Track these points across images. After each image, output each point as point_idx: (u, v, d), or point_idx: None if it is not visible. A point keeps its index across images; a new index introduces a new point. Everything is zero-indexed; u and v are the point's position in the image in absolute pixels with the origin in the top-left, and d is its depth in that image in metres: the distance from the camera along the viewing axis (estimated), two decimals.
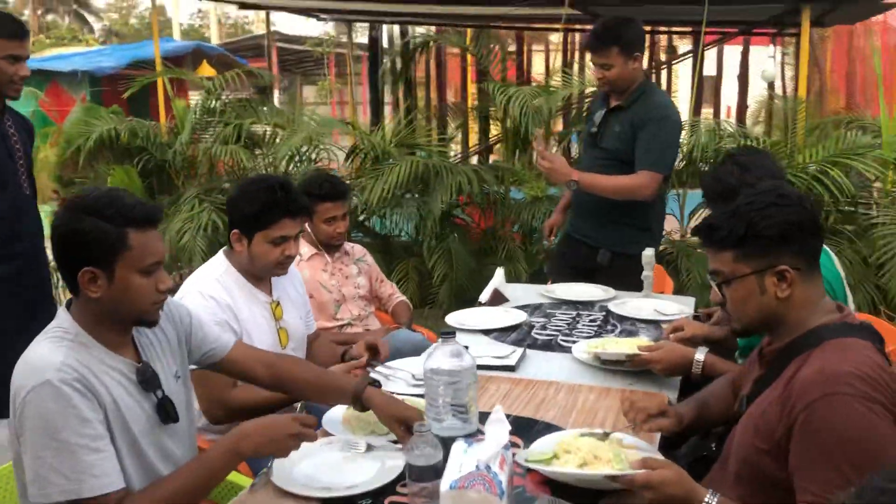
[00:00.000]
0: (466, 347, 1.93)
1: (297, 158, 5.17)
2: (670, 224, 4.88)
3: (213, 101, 5.12)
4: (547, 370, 2.43)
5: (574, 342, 2.64)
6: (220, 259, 2.44)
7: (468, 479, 1.50)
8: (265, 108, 5.48)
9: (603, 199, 3.33)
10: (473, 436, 1.76)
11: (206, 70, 11.46)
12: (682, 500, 1.52)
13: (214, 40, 22.35)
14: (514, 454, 1.72)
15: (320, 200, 3.12)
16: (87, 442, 1.53)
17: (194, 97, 9.99)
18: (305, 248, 3.23)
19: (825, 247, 2.36)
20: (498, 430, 1.58)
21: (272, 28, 9.69)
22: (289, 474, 1.75)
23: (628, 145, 3.31)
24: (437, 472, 1.56)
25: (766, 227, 1.59)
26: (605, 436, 1.79)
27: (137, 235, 1.62)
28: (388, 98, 8.18)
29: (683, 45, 9.07)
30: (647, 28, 7.87)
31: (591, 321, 2.93)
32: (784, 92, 7.53)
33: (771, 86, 7.36)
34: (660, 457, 1.71)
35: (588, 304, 3.15)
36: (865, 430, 1.40)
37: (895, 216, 4.09)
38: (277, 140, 5.32)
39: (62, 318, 1.65)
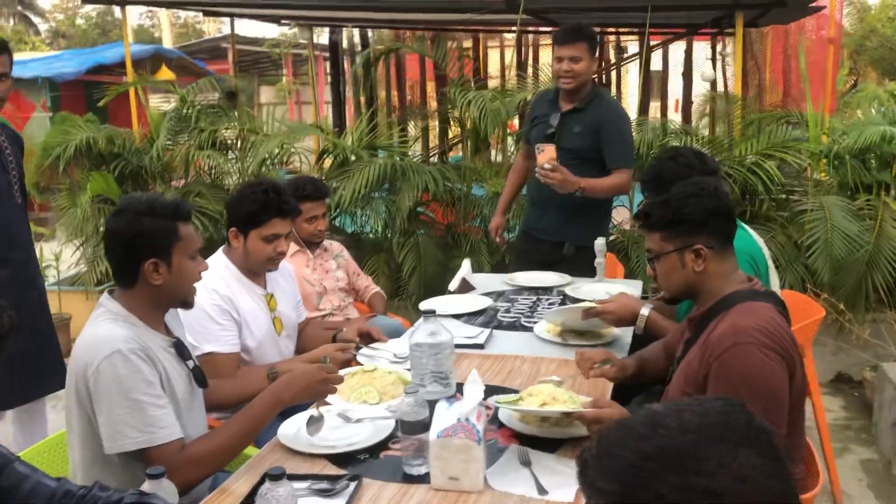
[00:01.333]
0: None
1: (268, 162, 5.41)
2: (621, 215, 5.24)
3: (188, 108, 5.33)
4: (512, 347, 2.73)
5: (535, 322, 2.97)
6: (219, 256, 2.72)
7: (451, 429, 1.82)
8: (235, 113, 5.70)
9: (569, 197, 3.57)
10: (453, 397, 2.09)
11: (166, 73, 11.54)
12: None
13: (167, 42, 22.28)
14: (487, 408, 2.06)
15: (303, 200, 3.41)
16: (153, 400, 1.85)
17: (154, 100, 10.12)
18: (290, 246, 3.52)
19: (747, 227, 2.76)
20: (474, 389, 1.90)
21: (229, 31, 9.85)
22: (296, 436, 2.04)
23: (591, 144, 3.61)
24: (424, 426, 1.87)
25: (688, 214, 1.96)
26: (560, 383, 2.14)
27: (184, 227, 1.99)
28: (348, 97, 8.42)
29: (632, 46, 9.46)
30: (597, 30, 8.26)
31: (549, 304, 3.27)
32: (725, 88, 7.95)
33: (713, 84, 7.78)
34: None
35: (547, 290, 3.48)
36: (764, 373, 1.76)
37: (820, 203, 4.50)
38: (248, 144, 5.56)
39: (109, 304, 1.97)
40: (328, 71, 9.97)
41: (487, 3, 5.73)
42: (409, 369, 2.31)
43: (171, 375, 1.97)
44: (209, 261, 2.72)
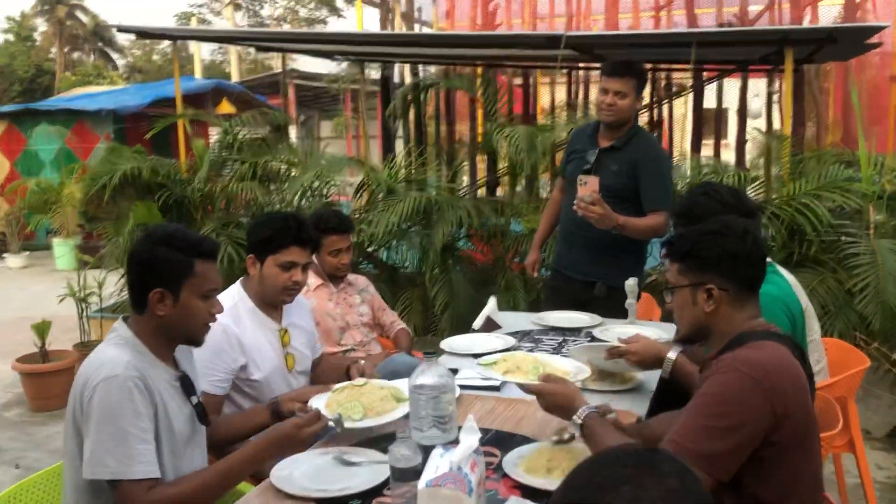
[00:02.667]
0: (455, 371, 2.17)
1: (308, 194, 5.45)
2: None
3: (230, 139, 5.42)
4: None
5: None
6: (235, 289, 2.69)
7: (442, 478, 1.73)
8: (280, 146, 5.77)
9: (601, 236, 3.48)
10: (452, 444, 2.00)
11: (226, 107, 11.86)
12: (564, 409, 1.96)
13: (234, 76, 22.93)
14: (493, 455, 1.97)
15: (327, 233, 3.39)
16: (139, 433, 1.83)
17: (214, 134, 10.38)
18: (312, 279, 3.49)
19: (784, 273, 2.61)
20: (469, 437, 1.81)
21: (290, 66, 10.06)
22: (289, 478, 1.97)
23: (627, 183, 3.51)
24: (417, 474, 1.78)
25: (703, 250, 1.89)
26: (570, 439, 2.05)
27: (201, 264, 1.98)
28: (400, 132, 8.48)
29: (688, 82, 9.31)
30: (649, 66, 8.17)
31: (575, 345, 3.14)
32: (779, 126, 7.73)
33: (769, 122, 7.58)
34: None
35: (575, 331, 3.35)
36: (733, 395, 1.67)
37: (871, 247, 4.28)
38: (291, 176, 5.61)
39: (121, 329, 1.99)
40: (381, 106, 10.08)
41: (529, 39, 5.70)
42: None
43: (169, 409, 1.95)
44: (224, 294, 2.71)
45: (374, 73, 11.68)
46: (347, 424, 2.14)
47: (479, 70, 7.68)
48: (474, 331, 3.35)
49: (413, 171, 5.52)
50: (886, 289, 4.07)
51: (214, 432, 2.29)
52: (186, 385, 2.03)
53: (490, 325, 3.39)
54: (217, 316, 2.50)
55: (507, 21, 8.58)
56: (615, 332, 3.23)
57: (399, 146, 8.50)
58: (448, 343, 3.15)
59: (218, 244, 2.10)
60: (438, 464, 1.76)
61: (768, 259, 2.63)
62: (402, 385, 2.63)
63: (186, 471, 1.98)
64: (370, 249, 5.42)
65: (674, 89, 7.90)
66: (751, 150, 8.23)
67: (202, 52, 24.06)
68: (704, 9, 8.02)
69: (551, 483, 1.93)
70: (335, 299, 3.51)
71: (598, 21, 8.24)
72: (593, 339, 3.21)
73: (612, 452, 0.98)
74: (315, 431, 2.01)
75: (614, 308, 3.53)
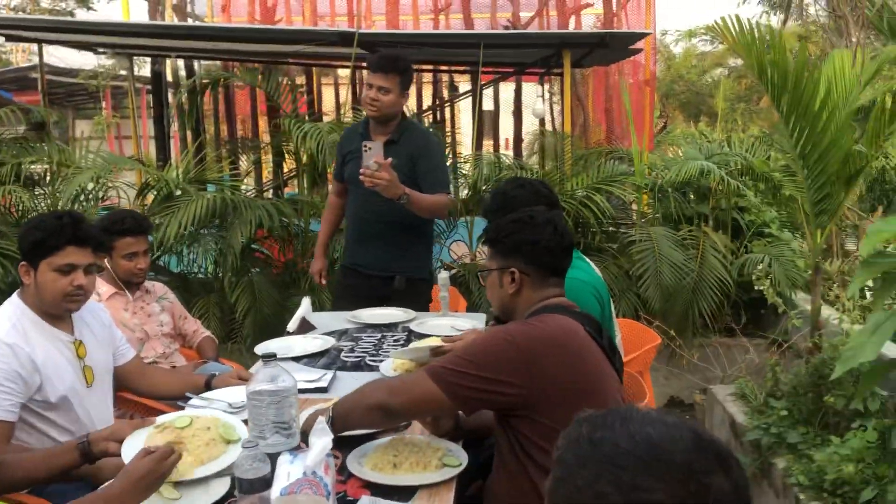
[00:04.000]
0: None
1: (82, 197, 4.96)
2: (461, 249, 5.24)
3: None
4: None
5: (381, 361, 2.83)
6: (14, 302, 2.35)
7: (297, 484, 1.64)
8: (44, 146, 5.19)
9: (399, 229, 3.52)
10: (297, 449, 1.90)
11: None
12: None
13: None
14: (336, 457, 1.89)
15: (120, 235, 3.10)
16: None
17: None
18: (105, 287, 3.18)
19: (587, 260, 2.78)
20: (321, 439, 1.73)
21: (36, 60, 9.10)
22: None
23: (408, 174, 3.48)
24: (265, 483, 1.68)
25: (505, 237, 2.09)
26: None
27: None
28: (173, 132, 7.98)
29: (464, 84, 9.67)
30: (430, 67, 8.36)
31: (395, 341, 3.14)
32: (553, 126, 8.26)
33: (542, 121, 8.05)
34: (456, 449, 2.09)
35: (392, 326, 3.35)
36: (490, 350, 1.87)
37: (649, 234, 4.70)
38: (59, 179, 5.07)
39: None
40: (150, 104, 9.42)
41: (321, 35, 5.61)
42: (245, 420, 2.08)
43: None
44: (3, 308, 2.37)
45: (140, 69, 10.94)
46: (202, 468, 1.91)
47: (260, 67, 7.42)
48: (288, 333, 3.23)
49: (203, 171, 5.20)
50: (663, 271, 4.49)
51: (7, 474, 1.96)
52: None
53: (305, 327, 3.29)
54: (1, 333, 2.22)
55: (287, 18, 8.38)
56: (431, 324, 3.28)
57: (174, 147, 8.01)
58: (263, 347, 3.01)
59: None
60: (290, 470, 1.68)
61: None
62: (227, 394, 2.49)
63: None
64: (156, 256, 5.04)
65: (457, 92, 8.16)
66: (526, 148, 8.75)
67: None
68: (480, 14, 8.35)
69: (400, 479, 1.90)
70: (131, 308, 3.23)
71: (379, 22, 8.29)
72: (411, 332, 3.22)
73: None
74: (175, 463, 1.77)
75: (414, 300, 3.61)
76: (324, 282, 4.00)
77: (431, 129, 6.29)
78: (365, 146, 3.30)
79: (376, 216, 3.55)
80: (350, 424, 2.00)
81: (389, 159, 3.27)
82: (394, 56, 3.55)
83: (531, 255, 2.05)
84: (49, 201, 4.95)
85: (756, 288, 3.86)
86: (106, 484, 1.75)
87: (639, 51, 6.65)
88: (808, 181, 3.58)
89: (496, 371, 1.83)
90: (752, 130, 8.96)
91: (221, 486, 1.86)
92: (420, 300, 3.66)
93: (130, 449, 1.91)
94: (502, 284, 2.08)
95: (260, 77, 6.59)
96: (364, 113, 3.57)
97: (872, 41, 7.25)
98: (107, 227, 3.11)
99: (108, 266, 3.15)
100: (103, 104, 15.77)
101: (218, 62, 7.97)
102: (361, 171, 3.28)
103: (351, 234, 3.76)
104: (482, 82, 7.15)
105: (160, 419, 2.07)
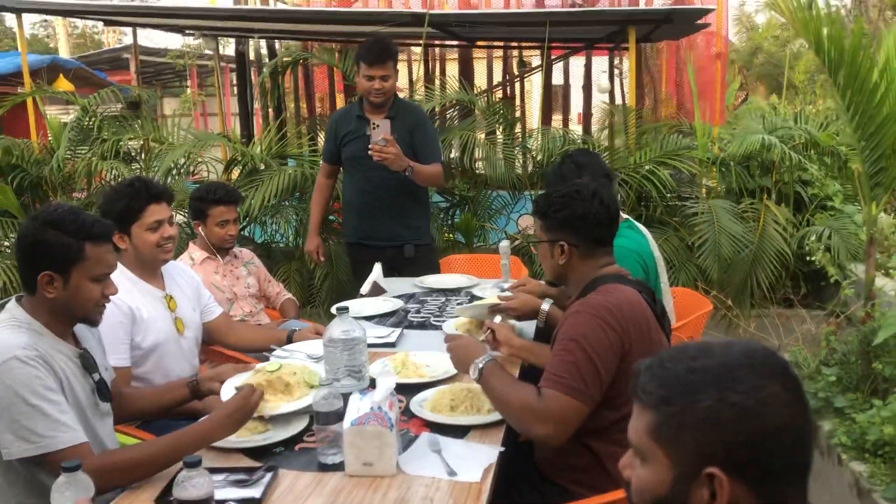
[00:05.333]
0: None
1: (174, 171, 5.36)
2: (526, 221, 5.44)
3: (90, 118, 5.23)
4: (423, 345, 2.81)
5: (444, 321, 3.09)
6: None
7: (365, 417, 1.90)
8: (139, 123, 5.62)
9: (404, 201, 3.85)
10: (366, 390, 2.17)
11: (64, 84, 11.14)
12: (465, 359, 2.15)
13: (63, 52, 21.47)
14: (400, 400, 2.16)
15: (214, 204, 3.43)
16: (53, 405, 1.82)
17: (51, 112, 9.78)
18: (198, 253, 3.53)
19: (642, 228, 2.95)
20: (386, 379, 1.99)
21: (129, 41, 9.63)
22: None
23: (408, 147, 3.74)
24: (338, 416, 1.94)
25: (555, 212, 2.18)
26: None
27: (93, 248, 1.95)
28: (256, 109, 8.38)
29: (536, 60, 9.77)
30: (501, 44, 8.52)
31: (458, 304, 3.39)
32: (623, 101, 8.32)
33: (612, 96, 8.12)
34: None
35: (455, 291, 3.61)
36: (588, 333, 1.96)
37: (709, 207, 4.80)
38: (153, 154, 5.49)
39: (14, 310, 1.95)
40: (234, 83, 9.86)
41: (395, 16, 5.85)
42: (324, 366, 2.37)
43: (73, 384, 1.93)
44: None
45: (225, 49, 11.40)
46: (279, 405, 2.16)
47: (338, 47, 7.72)
48: (361, 296, 3.51)
49: (284, 147, 5.53)
50: (721, 243, 4.60)
51: (127, 405, 2.30)
52: (87, 362, 2.01)
53: (376, 290, 3.56)
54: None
55: (364, 0, 8.64)
56: (491, 290, 3.51)
57: (257, 124, 8.42)
58: (339, 307, 3.29)
59: (109, 225, 2.04)
60: (359, 405, 1.94)
61: (626, 216, 2.99)
62: (306, 347, 2.79)
63: (95, 446, 1.96)
64: (241, 227, 5.42)
65: (526, 68, 8.28)
66: (596, 123, 8.83)
67: (24, 26, 22.28)
68: None
69: (455, 419, 2.16)
70: (222, 271, 3.57)
71: (451, 1, 8.47)
72: (472, 297, 3.46)
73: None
74: (257, 401, 2.01)
75: (426, 265, 3.92)
76: (322, 259, 4.32)
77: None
78: (373, 124, 3.60)
79: (382, 191, 3.83)
80: (488, 391, 2.06)
81: (391, 137, 3.57)
82: (384, 44, 3.78)
83: (580, 228, 2.14)
84: (146, 174, 5.37)
85: (810, 259, 3.95)
86: (202, 419, 2.02)
87: (708, 25, 6.65)
88: (864, 154, 3.64)
89: (610, 357, 1.95)
90: (829, 103, 8.79)
91: (302, 423, 2.14)
92: (431, 265, 3.97)
93: (229, 389, 2.20)
94: (553, 255, 2.18)
95: (337, 56, 6.90)
96: (355, 96, 3.83)
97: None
98: (202, 197, 3.45)
99: (202, 233, 3.50)
100: (189, 83, 16.45)
101: (298, 43, 8.32)
102: (371, 146, 3.58)
103: (356, 210, 4.00)
104: (552, 57, 7.28)
105: (258, 365, 2.35)
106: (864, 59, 3.51)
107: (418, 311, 3.28)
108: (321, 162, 4.23)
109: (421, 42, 6.33)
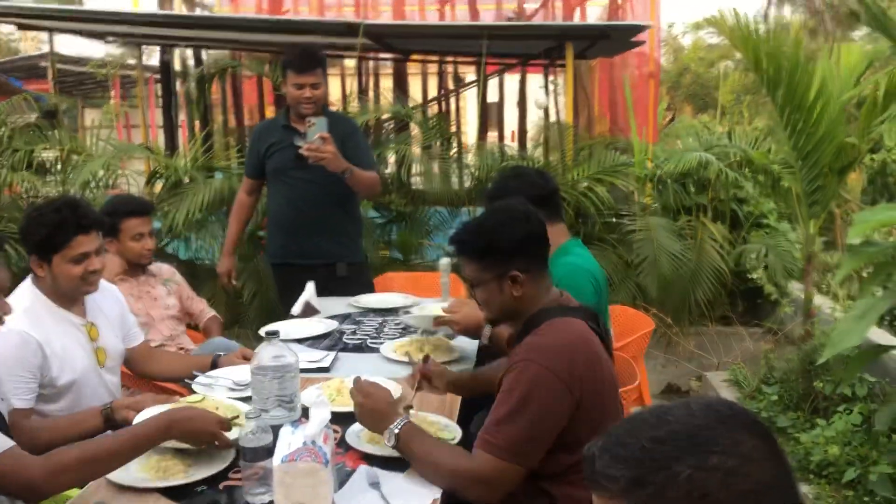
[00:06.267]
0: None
1: (92, 184, 5.06)
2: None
3: (1, 128, 4.90)
4: (359, 369, 2.66)
5: (381, 343, 2.93)
6: (27, 287, 2.41)
7: (296, 453, 1.73)
8: (55, 133, 5.29)
9: (335, 215, 3.67)
10: (298, 421, 1.99)
11: None
12: (375, 425, 1.97)
13: None
14: (335, 430, 1.99)
15: (126, 217, 3.20)
16: None
17: None
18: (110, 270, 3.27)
19: (586, 248, 2.86)
20: (320, 410, 1.82)
21: (46, 48, 9.19)
22: (125, 470, 1.86)
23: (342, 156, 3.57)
24: (268, 452, 1.77)
25: (501, 242, 1.96)
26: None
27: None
28: (181, 121, 8.06)
29: (470, 75, 9.73)
30: (436, 58, 8.42)
31: (395, 325, 3.24)
32: (558, 117, 8.32)
33: (546, 112, 8.11)
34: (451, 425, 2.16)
35: (392, 311, 3.45)
36: (530, 394, 1.81)
37: (647, 224, 4.78)
38: (70, 166, 5.17)
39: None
40: (159, 94, 9.50)
41: (328, 26, 5.69)
42: (249, 396, 2.18)
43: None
44: (16, 293, 2.38)
45: (148, 59, 11.00)
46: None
47: (267, 57, 7.50)
48: (293, 316, 3.32)
49: (202, 159, 5.29)
50: (660, 261, 4.57)
51: (29, 441, 2.05)
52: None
53: (309, 310, 3.38)
54: (14, 325, 2.23)
55: (295, 8, 8.45)
56: (431, 308, 3.36)
57: (181, 136, 8.09)
58: (269, 329, 3.10)
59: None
60: (291, 440, 1.77)
61: (572, 235, 2.90)
62: (232, 372, 2.59)
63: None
64: (164, 243, 5.15)
65: (462, 83, 8.21)
66: (531, 140, 8.80)
67: None
68: (486, 5, 8.40)
69: (395, 451, 1.99)
70: (136, 293, 3.32)
71: (385, 12, 8.36)
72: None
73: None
74: (222, 441, 1.93)
75: (360, 284, 3.75)
76: (234, 283, 4.09)
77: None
78: (309, 122, 3.42)
79: (312, 204, 3.64)
80: (409, 457, 1.92)
81: (327, 135, 3.39)
82: (312, 51, 3.65)
83: (528, 251, 1.97)
84: (60, 188, 5.05)
85: (750, 277, 3.94)
86: (164, 411, 1.93)
87: (642, 43, 6.69)
88: (802, 172, 3.65)
89: (556, 419, 1.82)
90: (756, 123, 9.00)
91: (227, 458, 1.95)
92: (365, 283, 3.80)
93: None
94: (503, 290, 1.95)
95: (267, 67, 6.69)
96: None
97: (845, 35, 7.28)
98: (112, 211, 3.21)
99: (115, 251, 3.24)
100: (112, 93, 15.87)
101: (226, 52, 8.06)
102: (306, 146, 3.40)
103: (282, 227, 3.79)
104: (487, 73, 7.21)
105: (182, 399, 2.21)
106: (802, 78, 3.52)
107: (354, 333, 3.12)
108: (243, 177, 4.01)
109: (355, 54, 6.17)
